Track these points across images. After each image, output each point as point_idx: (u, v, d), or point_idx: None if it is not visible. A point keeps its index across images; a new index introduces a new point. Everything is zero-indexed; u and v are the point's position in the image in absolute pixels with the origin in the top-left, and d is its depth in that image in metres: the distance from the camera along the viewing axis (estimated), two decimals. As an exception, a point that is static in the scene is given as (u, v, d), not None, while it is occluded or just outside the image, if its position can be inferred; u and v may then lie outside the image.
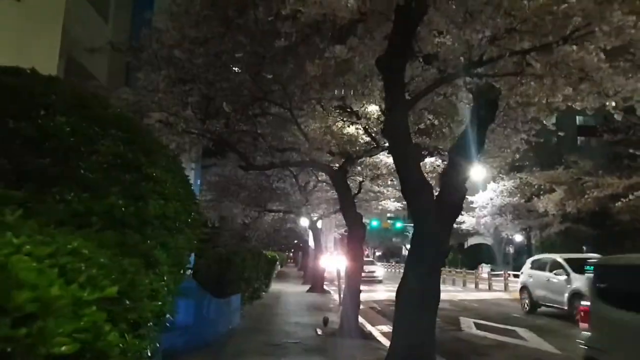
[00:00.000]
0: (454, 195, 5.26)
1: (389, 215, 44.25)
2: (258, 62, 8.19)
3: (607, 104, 4.94)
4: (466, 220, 33.78)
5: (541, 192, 25.01)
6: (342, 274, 11.40)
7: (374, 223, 49.09)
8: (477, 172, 31.47)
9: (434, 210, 4.96)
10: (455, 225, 34.35)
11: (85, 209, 2.39)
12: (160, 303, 2.43)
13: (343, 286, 9.05)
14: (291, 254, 55.02)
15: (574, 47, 4.36)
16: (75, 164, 2.69)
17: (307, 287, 20.00)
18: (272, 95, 9.14)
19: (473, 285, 24.63)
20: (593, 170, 22.35)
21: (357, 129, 10.18)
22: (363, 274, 15.72)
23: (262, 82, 8.79)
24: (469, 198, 32.97)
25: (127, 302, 1.68)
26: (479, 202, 31.77)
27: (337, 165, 9.64)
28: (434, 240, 4.92)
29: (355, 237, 8.62)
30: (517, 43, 4.47)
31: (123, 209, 2.81)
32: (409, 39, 4.85)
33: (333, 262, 30.34)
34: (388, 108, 4.97)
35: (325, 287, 19.01)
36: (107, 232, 2.31)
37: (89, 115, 3.10)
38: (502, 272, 24.22)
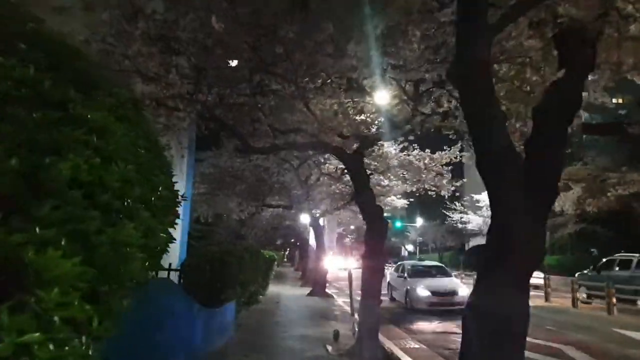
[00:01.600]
0: (549, 171, 3.74)
1: (386, 214, 43.00)
2: (258, 23, 6.69)
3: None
4: (472, 220, 32.40)
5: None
6: (354, 277, 9.86)
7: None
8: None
9: (525, 195, 3.45)
10: (459, 225, 32.98)
11: None
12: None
13: (359, 294, 7.53)
14: (287, 253, 53.46)
15: None
16: None
17: (307, 289, 18.46)
18: (274, 67, 7.63)
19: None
20: (613, 167, 20.94)
21: (370, 111, 8.71)
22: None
23: (263, 49, 7.29)
24: (475, 196, 31.58)
25: None
26: (485, 201, 30.36)
27: (350, 150, 8.12)
28: (526, 239, 3.41)
29: (376, 233, 7.09)
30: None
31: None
32: None
33: (337, 262, 28.95)
34: (461, 39, 3.45)
35: (327, 290, 17.49)
36: None
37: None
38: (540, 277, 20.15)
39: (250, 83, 7.67)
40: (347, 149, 7.88)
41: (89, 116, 1.97)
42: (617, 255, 16.34)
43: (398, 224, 49.55)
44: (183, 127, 9.21)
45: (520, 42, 4.38)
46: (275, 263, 20.77)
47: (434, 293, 13.82)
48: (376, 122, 8.41)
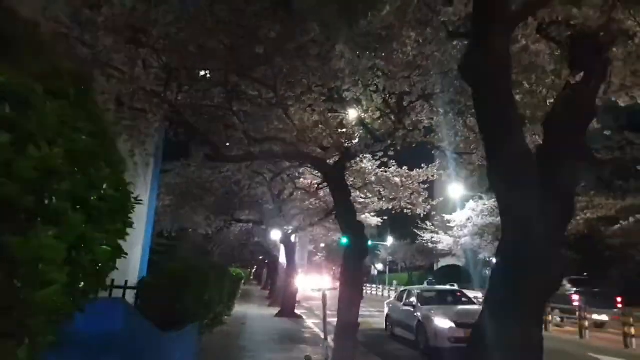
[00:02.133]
0: (564, 186, 3.31)
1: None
2: (237, 23, 6.20)
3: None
4: (443, 240, 32.31)
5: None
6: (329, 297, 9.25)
7: (344, 240, 47.56)
8: (454, 189, 29.94)
9: (539, 210, 3.00)
10: (430, 245, 32.81)
11: None
12: None
13: (335, 316, 6.93)
14: (254, 270, 52.14)
15: None
16: None
17: (275, 309, 17.65)
18: (252, 71, 7.12)
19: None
20: (580, 191, 21.26)
21: (351, 123, 8.29)
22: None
23: (241, 51, 6.77)
24: (445, 217, 31.59)
25: None
26: (456, 221, 30.38)
27: (331, 161, 7.62)
28: (542, 259, 2.95)
29: (356, 251, 6.55)
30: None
31: None
32: None
33: (308, 281, 28.13)
34: (478, 31, 3.00)
35: (296, 310, 16.73)
36: None
37: None
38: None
39: (225, 87, 7.11)
40: (328, 160, 7.38)
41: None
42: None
43: (369, 243, 49.23)
44: (149, 133, 8.54)
45: (527, 45, 4.01)
46: (243, 281, 19.89)
47: (460, 325, 10.00)
48: (357, 134, 7.97)
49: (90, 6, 5.26)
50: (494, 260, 34.72)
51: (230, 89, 7.19)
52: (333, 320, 12.49)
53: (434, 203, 14.58)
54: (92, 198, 1.76)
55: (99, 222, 1.81)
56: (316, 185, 14.41)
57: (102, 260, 1.96)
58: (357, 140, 7.55)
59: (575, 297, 17.13)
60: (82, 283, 1.82)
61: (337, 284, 8.85)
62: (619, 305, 16.08)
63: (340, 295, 6.53)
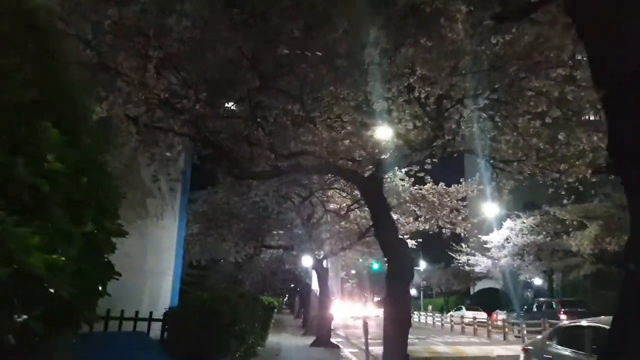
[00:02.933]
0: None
1: (385, 258, 41.26)
2: (258, 27, 5.78)
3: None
4: (480, 262, 30.80)
5: (570, 229, 22.29)
6: (370, 325, 8.47)
7: (375, 266, 46.08)
8: (490, 208, 28.70)
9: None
10: (466, 268, 31.33)
11: None
12: None
13: (376, 345, 6.18)
14: (286, 299, 51.13)
15: None
16: None
17: (309, 339, 16.79)
18: (276, 81, 6.68)
19: (502, 337, 21.26)
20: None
21: (385, 132, 7.69)
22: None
23: (263, 60, 6.36)
24: (482, 238, 30.20)
25: None
26: (494, 242, 28.95)
27: (365, 174, 7.00)
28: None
29: (400, 273, 5.84)
30: None
31: None
32: None
33: (346, 309, 27.20)
34: None
35: (332, 339, 15.84)
36: None
37: None
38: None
39: (247, 99, 6.66)
40: (361, 173, 6.77)
41: None
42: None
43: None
44: (171, 155, 8.17)
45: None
46: (275, 310, 19.15)
47: None
48: (392, 144, 7.37)
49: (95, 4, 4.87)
50: (535, 281, 32.92)
51: (254, 103, 6.75)
52: (374, 349, 11.68)
53: (475, 221, 13.68)
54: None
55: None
56: (346, 207, 13.78)
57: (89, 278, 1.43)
58: (392, 151, 6.92)
59: (563, 316, 20.35)
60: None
61: (378, 311, 8.07)
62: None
63: (385, 323, 5.81)
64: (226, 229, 12.91)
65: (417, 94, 7.06)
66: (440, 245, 35.73)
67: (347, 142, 6.56)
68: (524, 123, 7.47)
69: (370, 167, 7.04)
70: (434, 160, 8.81)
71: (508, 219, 28.61)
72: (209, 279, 24.60)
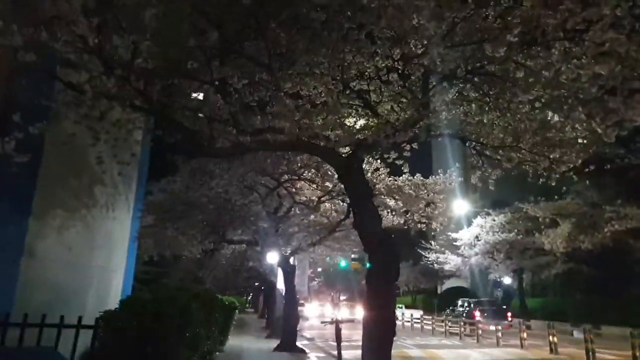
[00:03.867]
0: None
1: (353, 255, 40.41)
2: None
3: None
4: (450, 260, 30.49)
5: (542, 227, 22.09)
6: (343, 327, 7.45)
7: (343, 263, 45.31)
8: (459, 205, 28.26)
9: None
10: (435, 266, 31.03)
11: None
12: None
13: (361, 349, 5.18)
14: (250, 298, 49.72)
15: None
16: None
17: (273, 342, 15.69)
18: (242, 47, 5.63)
19: (473, 339, 20.69)
20: (601, 201, 19.69)
21: (365, 113, 6.71)
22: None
23: (226, 22, 5.31)
24: (452, 235, 29.90)
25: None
26: (464, 240, 28.66)
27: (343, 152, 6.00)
28: None
29: (385, 270, 4.87)
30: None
31: None
32: None
33: (313, 310, 26.15)
34: None
35: (297, 342, 14.78)
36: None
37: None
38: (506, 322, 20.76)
39: (208, 70, 5.51)
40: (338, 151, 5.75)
41: None
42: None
43: (369, 265, 47.05)
44: (120, 135, 6.93)
45: None
46: (237, 310, 17.94)
47: None
48: (372, 123, 6.38)
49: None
50: (505, 280, 32.90)
51: (215, 73, 5.59)
52: (344, 353, 10.71)
53: (452, 215, 12.94)
54: None
55: None
56: (317, 199, 12.77)
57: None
58: (372, 130, 5.91)
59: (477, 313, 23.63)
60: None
61: (351, 313, 7.22)
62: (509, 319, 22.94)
63: (366, 328, 4.83)
64: (184, 221, 11.63)
65: (401, 68, 6.13)
66: (408, 243, 35.30)
67: (321, 118, 5.52)
68: (516, 104, 6.66)
69: (347, 149, 6.04)
70: (413, 146, 7.92)
71: (478, 216, 28.39)
72: (167, 276, 23.09)
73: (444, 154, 38.73)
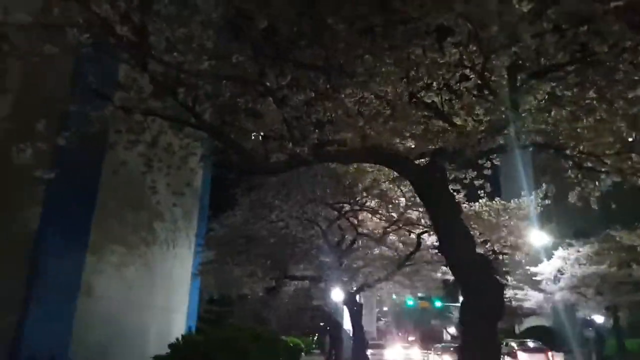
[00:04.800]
0: None
1: (419, 294, 37.91)
2: None
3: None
4: (530, 296, 27.63)
5: (640, 257, 19.42)
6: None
7: (410, 302, 42.79)
8: (536, 236, 25.85)
9: None
10: (513, 303, 28.32)
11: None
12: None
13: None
14: (315, 338, 48.18)
15: None
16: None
17: (342, 386, 14.48)
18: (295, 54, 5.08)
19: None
20: None
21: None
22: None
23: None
24: (531, 269, 27.21)
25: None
26: (545, 274, 25.92)
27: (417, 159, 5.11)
28: None
29: (483, 306, 3.87)
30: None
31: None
32: None
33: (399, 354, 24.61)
34: None
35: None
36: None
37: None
38: None
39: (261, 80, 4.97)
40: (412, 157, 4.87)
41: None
42: None
43: (438, 304, 44.17)
44: (173, 162, 6.59)
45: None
46: (303, 352, 16.95)
47: None
48: (451, 132, 5.48)
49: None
50: (596, 319, 29.35)
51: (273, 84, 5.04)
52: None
53: (538, 245, 11.44)
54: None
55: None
56: (383, 230, 11.81)
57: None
58: (452, 137, 5.01)
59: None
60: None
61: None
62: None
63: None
64: (244, 256, 11.09)
65: (479, 69, 5.27)
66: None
67: (389, 126, 4.72)
68: (627, 101, 5.51)
69: (422, 160, 5.18)
70: (494, 162, 6.88)
71: (560, 248, 25.72)
72: (231, 316, 22.60)
73: (513, 173, 35.88)
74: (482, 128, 4.87)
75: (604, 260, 21.96)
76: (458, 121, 5.69)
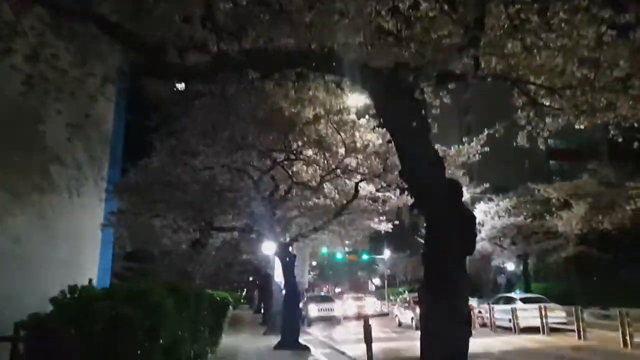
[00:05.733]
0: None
1: (348, 248, 38.72)
2: None
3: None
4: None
5: (553, 209, 20.71)
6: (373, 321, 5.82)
7: (339, 255, 43.73)
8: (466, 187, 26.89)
9: None
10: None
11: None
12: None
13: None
14: (244, 293, 48.07)
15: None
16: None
17: (272, 339, 14.07)
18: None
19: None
20: (616, 181, 18.36)
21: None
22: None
23: None
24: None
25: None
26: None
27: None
28: None
29: (454, 234, 3.25)
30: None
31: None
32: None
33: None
34: None
35: (300, 339, 13.15)
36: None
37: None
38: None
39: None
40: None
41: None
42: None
43: (365, 257, 45.62)
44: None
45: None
46: (231, 306, 16.27)
47: None
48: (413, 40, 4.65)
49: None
50: (508, 266, 31.56)
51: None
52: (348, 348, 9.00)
53: (478, 190, 11.37)
54: None
55: None
56: (320, 178, 11.13)
57: None
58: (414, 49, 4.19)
59: None
60: None
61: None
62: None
63: (427, 323, 3.21)
64: (162, 204, 9.86)
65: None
66: (403, 233, 33.79)
67: (341, 22, 3.78)
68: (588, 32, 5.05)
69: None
70: (444, 98, 6.24)
71: (481, 202, 27.00)
72: (154, 273, 21.24)
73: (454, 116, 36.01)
74: (444, 42, 4.11)
75: (521, 213, 23.34)
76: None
